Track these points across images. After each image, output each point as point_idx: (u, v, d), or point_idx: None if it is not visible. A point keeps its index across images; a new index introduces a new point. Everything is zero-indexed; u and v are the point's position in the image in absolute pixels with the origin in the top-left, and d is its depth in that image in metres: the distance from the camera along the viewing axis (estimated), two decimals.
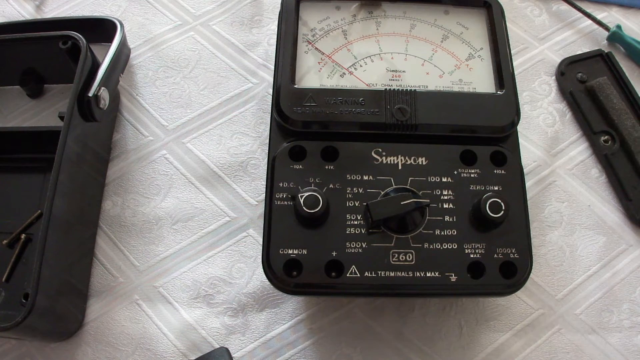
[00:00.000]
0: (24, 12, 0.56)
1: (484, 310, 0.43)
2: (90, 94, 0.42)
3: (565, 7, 0.56)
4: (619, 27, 0.54)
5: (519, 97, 0.43)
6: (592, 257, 0.45)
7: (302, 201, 0.35)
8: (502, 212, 0.35)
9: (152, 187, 0.47)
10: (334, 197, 0.37)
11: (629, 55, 0.54)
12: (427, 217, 0.37)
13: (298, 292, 0.36)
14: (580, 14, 0.55)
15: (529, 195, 0.44)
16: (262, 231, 0.37)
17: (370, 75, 0.42)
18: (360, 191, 0.37)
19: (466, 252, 0.36)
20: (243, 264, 0.44)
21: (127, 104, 0.51)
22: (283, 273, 0.35)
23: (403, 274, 0.35)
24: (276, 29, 0.45)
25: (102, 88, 0.44)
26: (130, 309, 0.43)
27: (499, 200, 0.36)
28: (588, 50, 0.54)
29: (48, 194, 0.38)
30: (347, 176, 0.37)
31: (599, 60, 0.53)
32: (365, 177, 0.38)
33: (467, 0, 0.45)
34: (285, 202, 0.37)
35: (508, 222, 0.36)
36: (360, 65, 0.42)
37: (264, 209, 0.37)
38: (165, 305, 0.43)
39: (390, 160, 0.38)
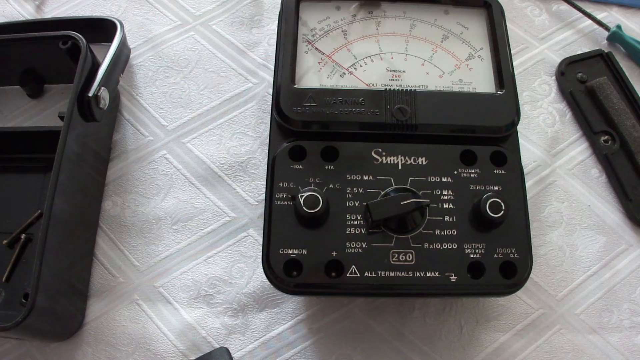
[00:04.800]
0: (24, 12, 0.56)
1: (484, 310, 0.43)
2: (90, 94, 0.42)
3: (565, 7, 0.56)
4: (619, 27, 0.54)
5: (519, 97, 0.43)
6: (592, 257, 0.45)
7: (302, 201, 0.35)
8: (502, 212, 0.35)
9: (152, 187, 0.47)
10: (334, 197, 0.37)
11: (629, 55, 0.54)
12: (427, 217, 0.37)
13: (298, 292, 0.36)
14: (580, 14, 0.55)
15: (529, 195, 0.44)
16: (262, 231, 0.37)
17: (370, 75, 0.41)
18: (360, 191, 0.37)
19: (466, 252, 0.36)
20: (243, 264, 0.44)
21: (127, 104, 0.51)
22: (283, 273, 0.35)
23: (403, 274, 0.35)
24: (276, 29, 0.44)
25: (102, 88, 0.44)
26: (130, 309, 0.43)
27: (499, 200, 0.36)
28: (588, 50, 0.54)
29: (48, 194, 0.38)
30: (347, 176, 0.37)
31: (599, 60, 0.53)
32: (365, 177, 0.38)
33: (467, 0, 0.45)
34: (285, 202, 0.37)
35: (508, 222, 0.36)
36: (360, 65, 0.42)
37: (264, 209, 0.37)
38: (165, 305, 0.43)
39: (390, 160, 0.38)
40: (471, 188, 0.38)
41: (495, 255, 0.36)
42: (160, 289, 0.44)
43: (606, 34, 0.54)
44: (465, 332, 0.42)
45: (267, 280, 0.36)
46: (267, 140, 0.40)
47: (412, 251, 0.36)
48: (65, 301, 0.40)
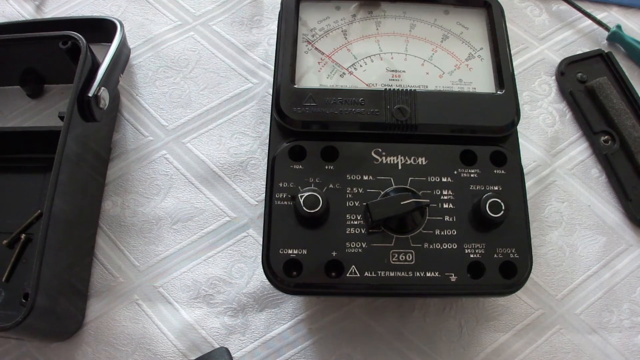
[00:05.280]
0: (24, 12, 0.56)
1: (484, 310, 0.43)
2: (90, 94, 0.42)
3: (565, 7, 0.56)
4: (619, 27, 0.54)
5: (519, 97, 0.43)
6: (592, 257, 0.45)
7: (302, 201, 0.35)
8: (502, 212, 0.35)
9: (152, 187, 0.47)
10: (334, 197, 0.37)
11: (629, 55, 0.54)
12: (427, 217, 0.37)
13: (298, 292, 0.36)
14: (580, 14, 0.55)
15: (529, 195, 0.44)
16: (262, 231, 0.37)
17: (370, 75, 0.41)
18: (360, 191, 0.37)
19: (466, 252, 0.36)
20: (243, 264, 0.44)
21: (127, 104, 0.51)
22: (283, 273, 0.35)
23: (403, 274, 0.35)
24: (276, 29, 0.44)
25: (102, 88, 0.44)
26: (130, 309, 0.43)
27: (499, 200, 0.36)
28: (588, 50, 0.54)
29: (48, 194, 0.38)
30: (347, 176, 0.37)
31: (599, 60, 0.53)
32: (365, 177, 0.37)
33: (467, 0, 0.45)
34: (285, 202, 0.37)
35: (508, 222, 0.36)
36: (360, 65, 0.42)
37: (264, 209, 0.37)
38: (165, 305, 0.43)
39: (390, 160, 0.38)
40: (471, 188, 0.38)
41: (495, 255, 0.36)
42: (160, 289, 0.44)
43: (606, 34, 0.54)
44: (465, 332, 0.42)
45: (267, 280, 0.36)
46: (267, 140, 0.40)
47: (412, 251, 0.36)
48: (65, 301, 0.40)
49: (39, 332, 0.39)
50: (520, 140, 0.41)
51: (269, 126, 0.41)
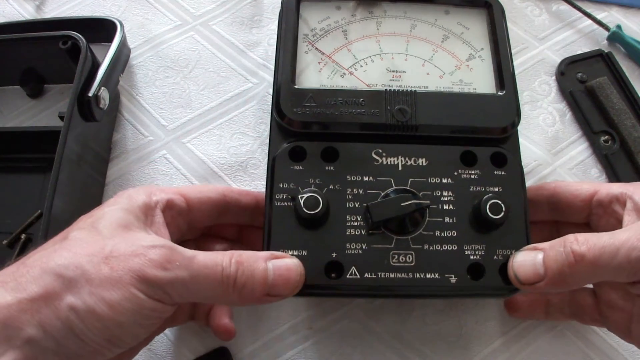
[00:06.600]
0: (24, 12, 0.56)
1: (483, 310, 0.43)
2: (90, 94, 0.42)
3: (565, 7, 0.56)
4: (619, 27, 0.54)
5: (519, 97, 0.43)
6: None
7: (302, 202, 0.35)
8: (502, 213, 0.35)
9: None
10: (334, 198, 0.37)
11: (629, 55, 0.54)
12: (427, 219, 0.37)
13: (298, 292, 0.36)
14: (580, 14, 0.55)
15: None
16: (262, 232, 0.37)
17: (371, 76, 0.41)
18: (361, 192, 0.37)
19: (466, 253, 0.36)
20: None
21: (127, 104, 0.51)
22: None
23: (403, 275, 0.35)
24: (276, 29, 0.44)
25: (102, 88, 0.44)
26: None
27: (499, 202, 0.35)
28: (588, 50, 0.54)
29: (48, 194, 0.38)
30: (348, 177, 0.37)
31: (599, 60, 0.53)
32: (366, 178, 0.37)
33: (468, 0, 0.45)
34: (285, 203, 0.36)
35: (508, 223, 0.36)
36: (361, 66, 0.42)
37: (264, 209, 0.37)
38: None
39: (391, 161, 0.38)
40: (471, 189, 0.38)
41: (495, 257, 0.36)
42: None
43: (606, 34, 0.54)
44: (465, 332, 0.42)
45: None
46: (267, 141, 0.40)
47: (412, 252, 0.36)
48: None
49: None
50: (520, 140, 0.41)
51: (269, 126, 0.41)
